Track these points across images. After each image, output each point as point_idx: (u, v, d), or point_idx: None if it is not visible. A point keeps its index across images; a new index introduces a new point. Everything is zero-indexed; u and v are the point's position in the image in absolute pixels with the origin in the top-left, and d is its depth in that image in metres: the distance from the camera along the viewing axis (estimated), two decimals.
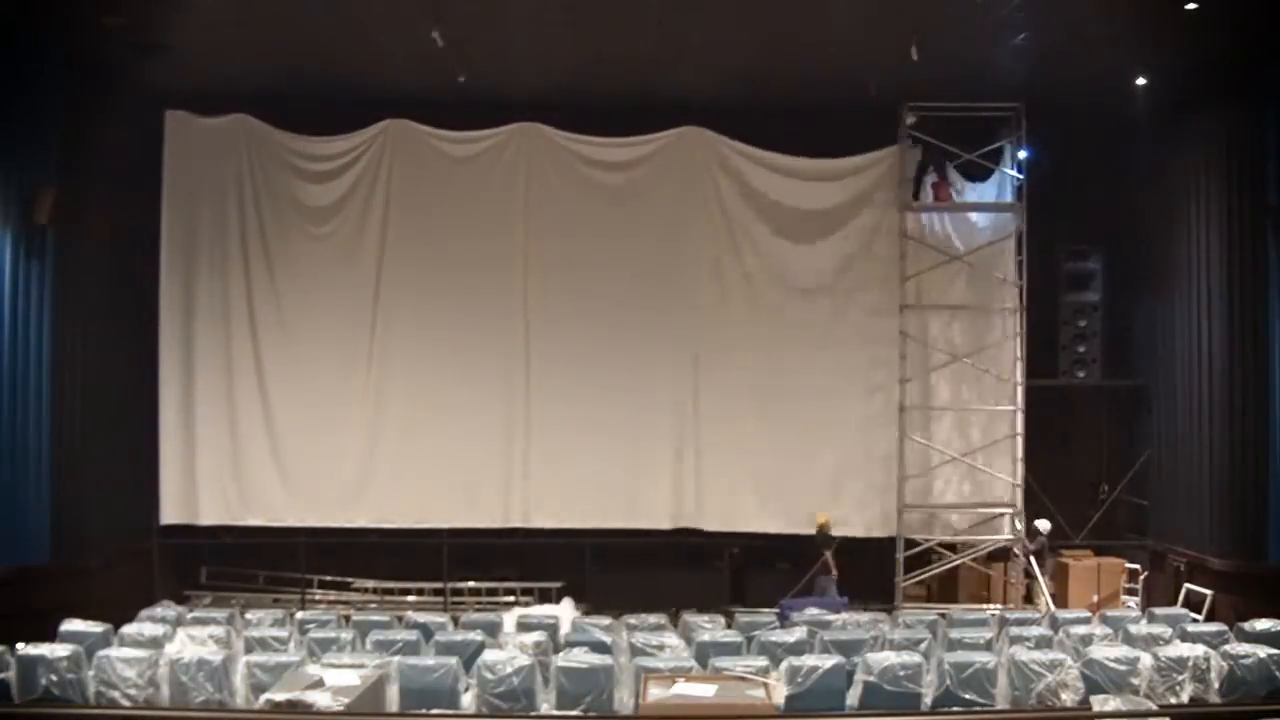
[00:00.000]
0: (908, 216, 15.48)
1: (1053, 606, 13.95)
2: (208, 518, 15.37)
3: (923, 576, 15.48)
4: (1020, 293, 15.39)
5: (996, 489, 15.49)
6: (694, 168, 15.65)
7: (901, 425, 15.38)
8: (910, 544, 15.24)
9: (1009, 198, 15.61)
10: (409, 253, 15.62)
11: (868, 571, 15.90)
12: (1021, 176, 15.26)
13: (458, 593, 15.60)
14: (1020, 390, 15.37)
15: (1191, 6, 11.72)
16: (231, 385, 15.47)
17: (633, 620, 11.32)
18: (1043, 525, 14.96)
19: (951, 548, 15.53)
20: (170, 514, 15.29)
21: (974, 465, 15.45)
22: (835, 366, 15.66)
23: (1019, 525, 15.09)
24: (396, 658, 9.38)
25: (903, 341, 15.31)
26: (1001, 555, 15.60)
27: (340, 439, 15.48)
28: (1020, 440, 15.32)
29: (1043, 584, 14.64)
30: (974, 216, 15.92)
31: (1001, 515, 15.40)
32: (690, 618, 11.62)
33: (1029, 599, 15.61)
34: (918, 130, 15.11)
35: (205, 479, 15.35)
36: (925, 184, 15.64)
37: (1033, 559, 14.83)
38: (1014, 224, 15.48)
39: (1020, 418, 15.32)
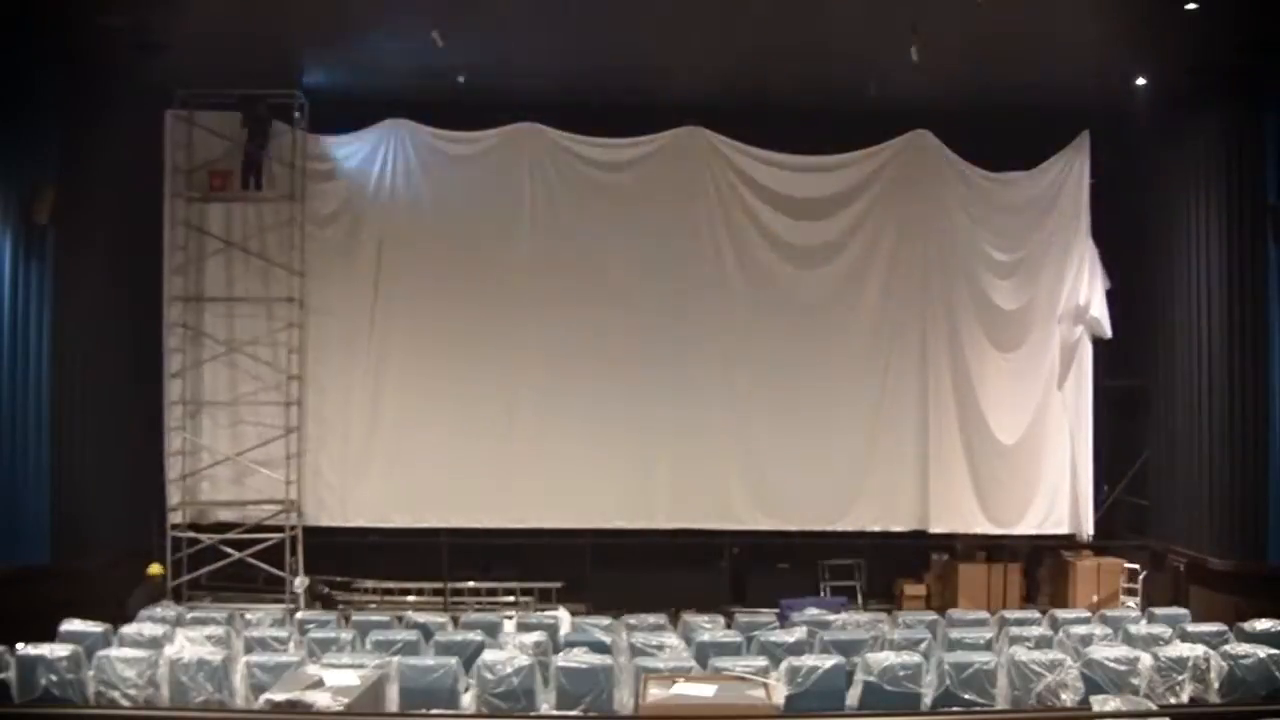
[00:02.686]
0: None
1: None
2: (213, 518, 15.33)
3: None
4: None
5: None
6: (694, 167, 15.66)
7: None
8: None
9: None
10: (409, 250, 15.62)
11: (871, 569, 15.98)
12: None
13: (458, 593, 15.59)
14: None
15: (1191, 6, 11.72)
16: (234, 385, 15.46)
17: (633, 620, 11.32)
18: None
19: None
20: (178, 515, 15.25)
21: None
22: (842, 364, 15.67)
23: None
24: (396, 658, 9.37)
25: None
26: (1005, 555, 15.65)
27: (339, 438, 15.47)
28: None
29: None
30: None
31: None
32: (690, 618, 11.62)
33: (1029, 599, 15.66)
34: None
35: (210, 479, 15.34)
36: None
37: None
38: None
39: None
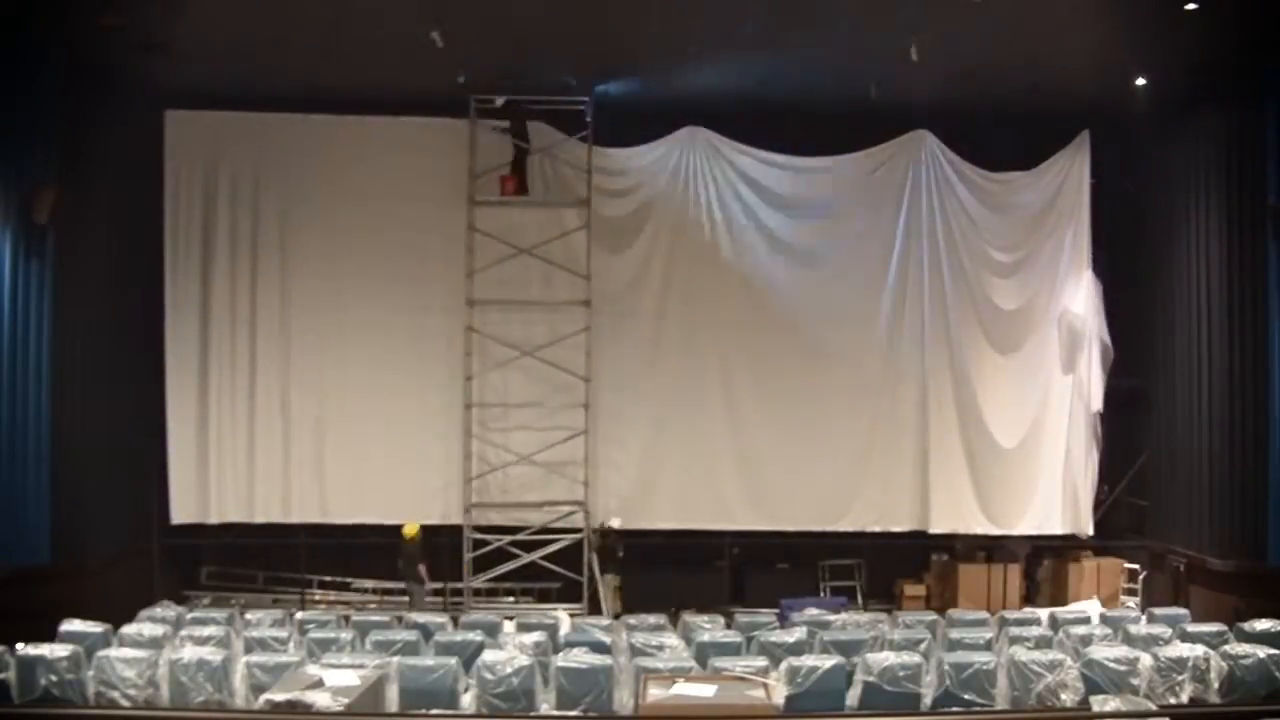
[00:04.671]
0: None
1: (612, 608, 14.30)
2: (219, 517, 15.38)
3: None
4: None
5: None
6: (694, 166, 15.64)
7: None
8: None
9: None
10: (413, 247, 15.59)
11: (871, 570, 15.98)
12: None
13: (458, 593, 15.59)
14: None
15: (1191, 6, 11.72)
16: (234, 385, 15.49)
17: (632, 620, 11.32)
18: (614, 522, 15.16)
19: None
20: (180, 514, 15.28)
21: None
22: (842, 364, 15.67)
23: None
24: (396, 658, 9.38)
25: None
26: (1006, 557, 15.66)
27: (340, 437, 15.49)
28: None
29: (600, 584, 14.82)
30: None
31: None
32: (690, 618, 11.62)
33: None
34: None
35: (216, 478, 15.38)
36: None
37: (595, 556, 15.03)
38: None
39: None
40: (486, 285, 15.42)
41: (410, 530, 14.61)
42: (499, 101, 15.04)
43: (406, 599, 14.80)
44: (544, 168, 15.62)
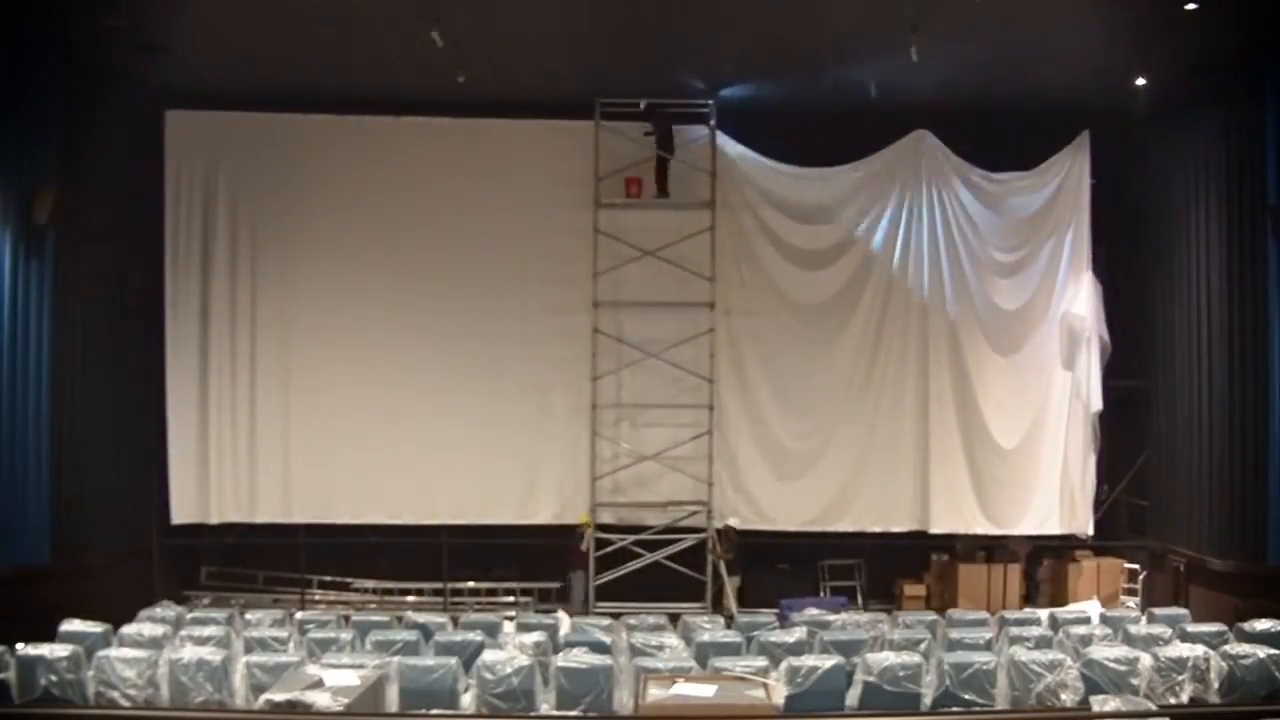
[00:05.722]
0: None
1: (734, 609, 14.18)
2: (219, 517, 15.36)
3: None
4: None
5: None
6: (696, 170, 15.63)
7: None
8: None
9: None
10: (415, 245, 15.60)
11: (872, 569, 15.98)
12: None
13: (457, 593, 15.60)
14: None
15: (1191, 6, 11.72)
16: (235, 385, 15.47)
17: (633, 620, 11.33)
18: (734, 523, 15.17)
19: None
20: (180, 514, 15.26)
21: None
22: (842, 364, 15.69)
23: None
24: (396, 658, 9.38)
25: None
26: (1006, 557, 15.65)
27: (345, 436, 15.46)
28: None
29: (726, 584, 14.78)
30: None
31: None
32: (690, 618, 11.62)
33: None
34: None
35: (216, 478, 15.37)
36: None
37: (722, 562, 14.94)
38: None
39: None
40: (484, 285, 15.49)
41: (584, 518, 15.03)
42: (642, 104, 15.05)
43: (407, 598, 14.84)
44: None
